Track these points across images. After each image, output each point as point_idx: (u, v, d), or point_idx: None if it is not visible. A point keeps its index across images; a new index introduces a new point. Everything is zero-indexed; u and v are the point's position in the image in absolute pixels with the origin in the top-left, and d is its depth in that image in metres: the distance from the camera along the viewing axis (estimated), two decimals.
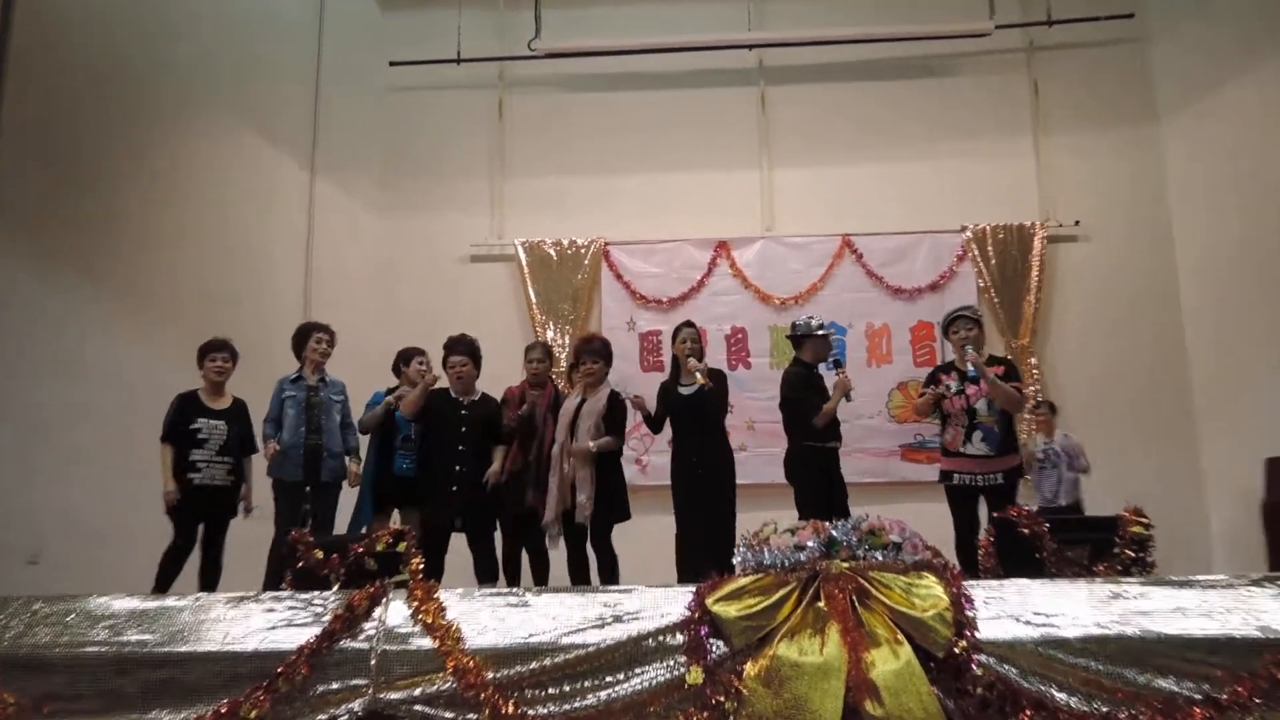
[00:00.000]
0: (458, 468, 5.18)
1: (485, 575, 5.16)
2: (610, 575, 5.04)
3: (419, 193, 8.42)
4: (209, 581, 5.12)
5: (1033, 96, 8.25)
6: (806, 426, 5.18)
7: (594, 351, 5.28)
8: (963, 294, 7.86)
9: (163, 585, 4.95)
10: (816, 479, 5.15)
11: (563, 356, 7.84)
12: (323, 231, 8.03)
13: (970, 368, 4.94)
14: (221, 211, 7.22)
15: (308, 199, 8.01)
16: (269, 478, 5.38)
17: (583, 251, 8.20)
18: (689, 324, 5.47)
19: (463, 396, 5.38)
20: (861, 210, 8.14)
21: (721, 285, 8.12)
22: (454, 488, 5.14)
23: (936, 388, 5.12)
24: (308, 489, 5.38)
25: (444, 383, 5.50)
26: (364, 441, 5.68)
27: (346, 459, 5.52)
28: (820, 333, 5.40)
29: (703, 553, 5.01)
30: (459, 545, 5.27)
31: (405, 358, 5.82)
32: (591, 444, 5.01)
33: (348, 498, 5.58)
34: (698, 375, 5.11)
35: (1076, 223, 7.99)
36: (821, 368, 5.44)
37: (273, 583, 4.82)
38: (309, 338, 5.56)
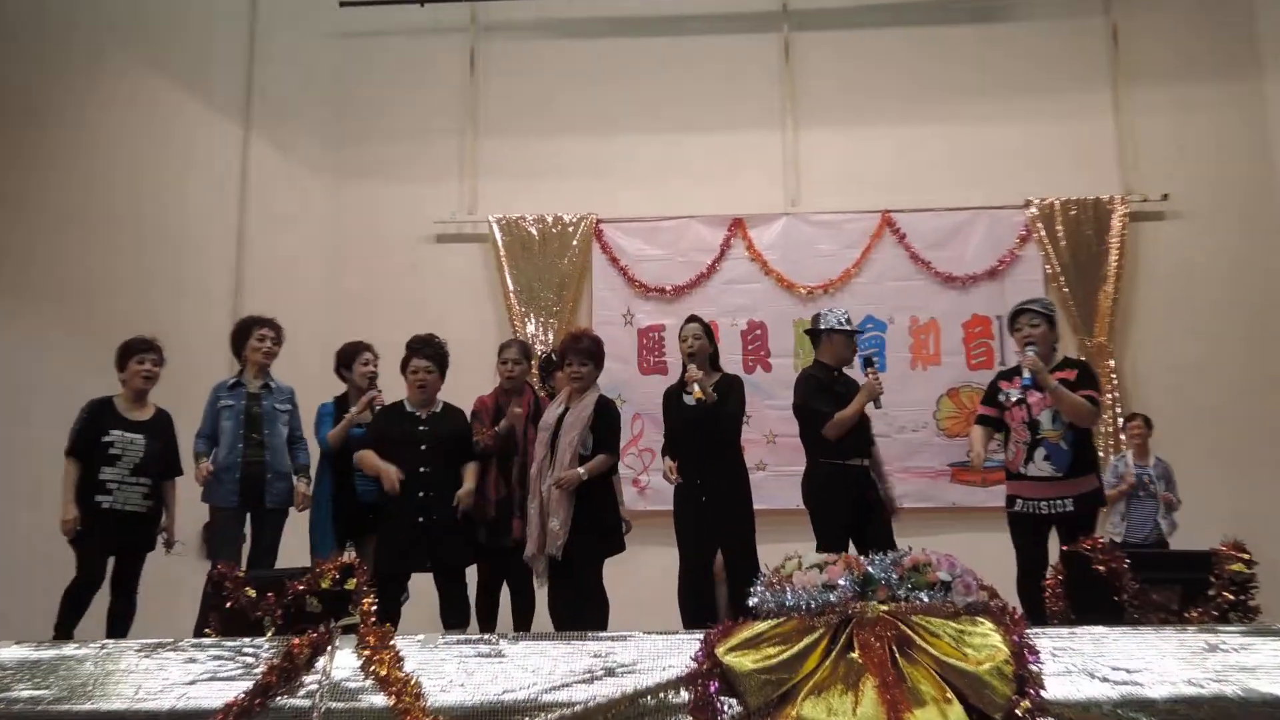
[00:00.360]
0: (420, 494, 5.15)
1: (455, 620, 5.14)
2: (597, 622, 5.02)
3: (374, 160, 8.41)
4: (119, 626, 5.10)
5: (1111, 45, 8.24)
6: (821, 440, 5.18)
7: (582, 352, 5.26)
8: (1027, 282, 7.84)
9: (64, 629, 4.94)
10: (836, 504, 5.14)
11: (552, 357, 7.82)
12: (259, 206, 8.04)
13: (1026, 372, 4.89)
14: (137, 183, 7.22)
15: (241, 167, 8.03)
16: (204, 503, 5.37)
17: (570, 230, 8.20)
18: (694, 319, 5.46)
19: (420, 410, 5.37)
20: (905, 181, 8.13)
21: (736, 271, 8.12)
22: (419, 518, 5.13)
23: (1004, 412, 5.02)
24: (248, 516, 5.38)
25: (382, 390, 5.51)
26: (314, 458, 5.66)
27: (295, 479, 5.50)
28: (842, 328, 5.38)
29: (710, 593, 5.01)
30: (422, 585, 5.24)
31: (347, 357, 5.76)
32: (581, 470, 5.00)
33: (297, 527, 5.55)
34: (695, 387, 5.11)
35: (1164, 197, 7.97)
36: (858, 368, 5.42)
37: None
38: (250, 334, 5.53)
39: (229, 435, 5.36)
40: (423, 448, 5.22)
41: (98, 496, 5.13)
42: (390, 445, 5.23)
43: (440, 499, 5.15)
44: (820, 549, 4.71)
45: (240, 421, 5.37)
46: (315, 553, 5.35)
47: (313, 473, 5.62)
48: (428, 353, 5.40)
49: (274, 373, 5.65)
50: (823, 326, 5.42)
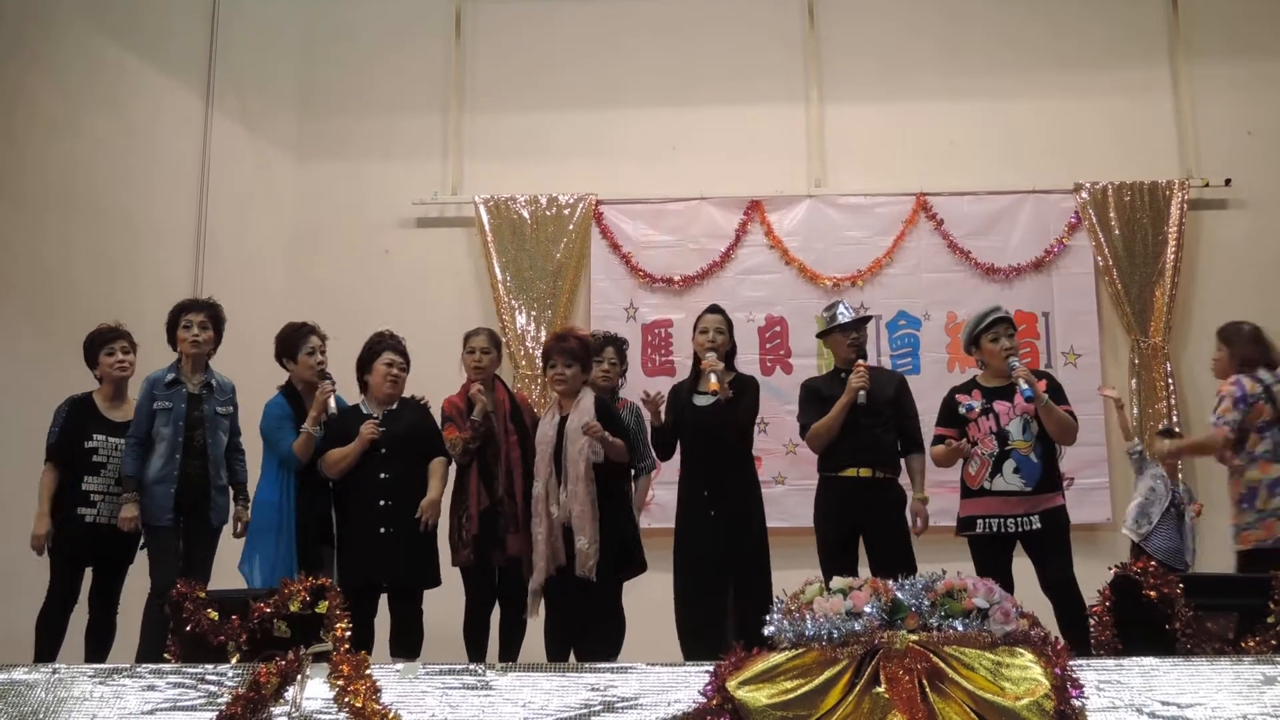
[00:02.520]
0: (381, 502, 5.22)
1: (403, 649, 5.17)
2: (613, 647, 5.13)
3: (347, 135, 8.46)
4: (99, 646, 5.18)
5: (1171, 15, 8.27)
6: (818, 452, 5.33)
7: (567, 352, 5.29)
8: (1076, 275, 7.92)
9: (44, 657, 4.98)
10: (825, 521, 5.27)
11: (531, 353, 7.86)
12: (221, 186, 8.07)
13: (1022, 384, 4.99)
14: (84, 159, 7.26)
15: (201, 141, 8.05)
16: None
17: (566, 212, 8.23)
18: (717, 309, 5.47)
19: (377, 409, 5.42)
20: (942, 161, 8.18)
21: (754, 260, 8.16)
22: (381, 529, 5.19)
23: (963, 437, 5.13)
24: (182, 532, 5.29)
25: (334, 380, 5.49)
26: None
27: (233, 501, 5.46)
28: (833, 324, 5.49)
29: (722, 621, 5.07)
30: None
31: (289, 344, 5.53)
32: (601, 430, 5.00)
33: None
34: (712, 379, 5.12)
35: (1228, 182, 8.01)
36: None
37: (151, 654, 4.87)
38: (178, 321, 5.43)
39: (167, 444, 5.24)
40: (382, 451, 5.28)
41: (80, 509, 5.20)
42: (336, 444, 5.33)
43: (403, 507, 5.20)
44: (823, 571, 4.82)
45: (179, 428, 5.27)
46: (265, 579, 5.22)
47: (252, 486, 5.53)
48: (400, 348, 5.50)
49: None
50: (824, 328, 5.57)
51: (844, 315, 5.53)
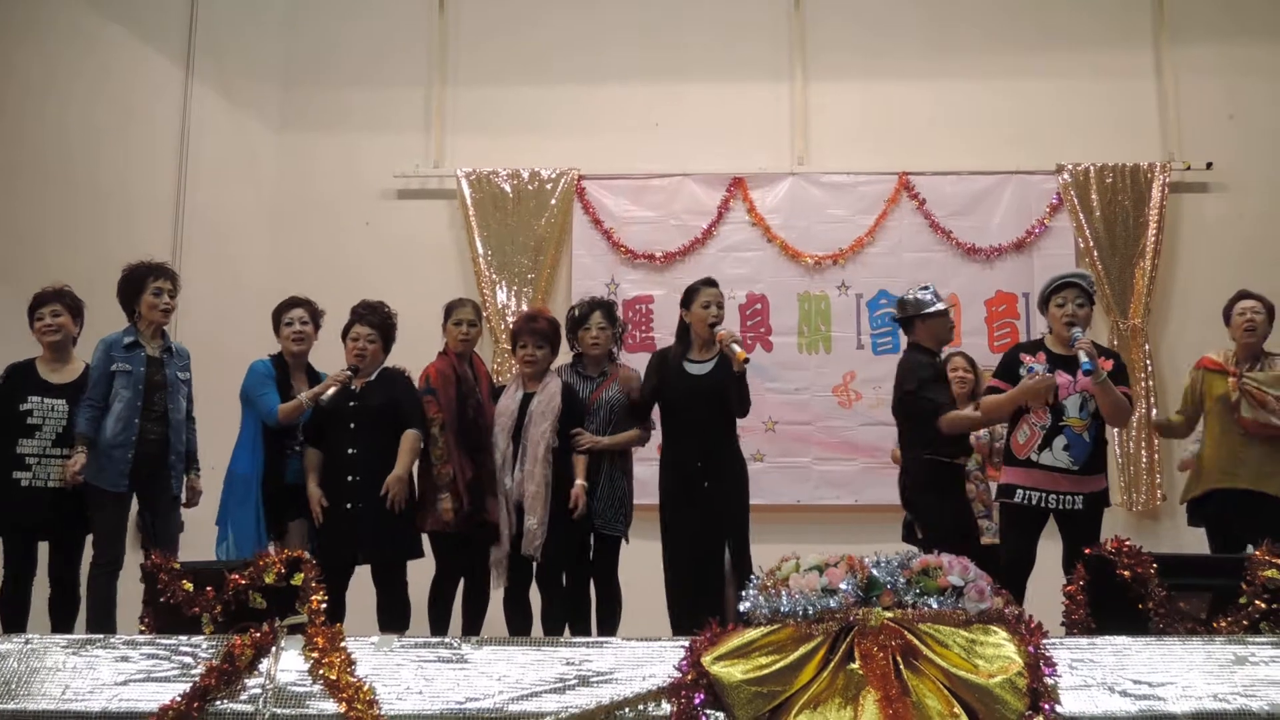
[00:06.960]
0: (348, 478, 5.21)
1: (389, 622, 5.17)
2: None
3: (328, 105, 8.42)
4: (63, 617, 5.12)
5: None
6: (928, 432, 5.12)
7: (538, 333, 5.37)
8: (1056, 256, 7.90)
9: (12, 631, 4.87)
10: (950, 508, 5.15)
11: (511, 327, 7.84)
12: (200, 156, 8.03)
13: (1083, 356, 4.77)
14: (63, 128, 7.22)
15: (181, 110, 8.01)
16: (86, 482, 5.10)
17: (548, 187, 8.21)
18: (712, 282, 5.40)
19: (356, 382, 5.40)
20: (925, 141, 8.19)
21: (736, 237, 8.16)
22: (347, 505, 5.19)
23: (1033, 375, 4.88)
24: (138, 501, 5.22)
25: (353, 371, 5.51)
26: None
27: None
28: (938, 308, 5.36)
29: (719, 592, 5.08)
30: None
31: (275, 316, 5.58)
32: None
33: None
34: (736, 348, 5.05)
35: (1209, 165, 8.02)
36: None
37: (99, 626, 4.84)
38: (144, 286, 5.26)
39: (125, 406, 5.09)
40: (351, 425, 5.27)
41: (16, 473, 5.10)
42: (323, 424, 5.33)
43: (371, 483, 5.17)
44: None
45: (139, 392, 5.14)
46: (238, 550, 5.19)
47: (226, 456, 5.44)
48: (372, 319, 5.45)
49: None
50: (916, 311, 5.35)
51: (937, 301, 5.38)
